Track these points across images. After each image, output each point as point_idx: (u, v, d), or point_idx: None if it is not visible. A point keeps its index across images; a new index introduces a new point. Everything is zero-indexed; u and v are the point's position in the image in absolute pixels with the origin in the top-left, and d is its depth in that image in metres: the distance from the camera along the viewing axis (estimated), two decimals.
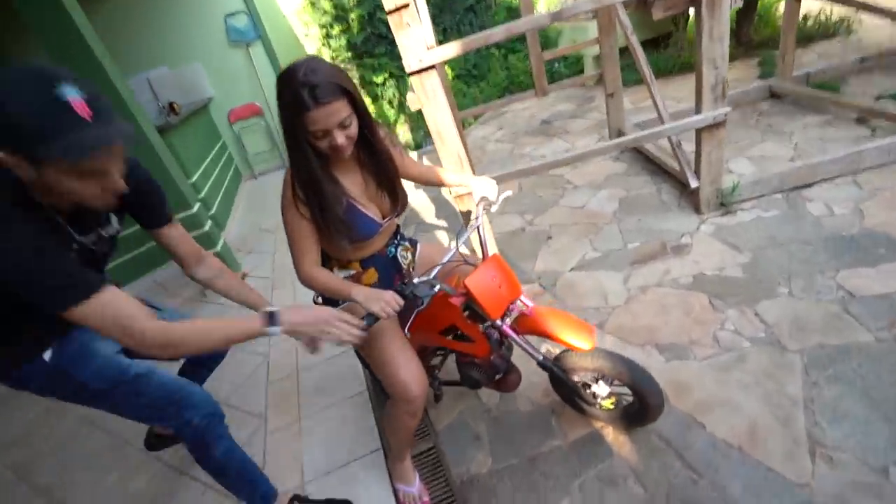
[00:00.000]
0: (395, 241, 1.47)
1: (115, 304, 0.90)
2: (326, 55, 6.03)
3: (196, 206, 3.09)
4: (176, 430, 1.30)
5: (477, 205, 1.44)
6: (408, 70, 1.87)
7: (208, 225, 3.19)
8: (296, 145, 1.13)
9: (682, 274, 2.09)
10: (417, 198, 3.71)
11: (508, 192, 1.50)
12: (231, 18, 5.07)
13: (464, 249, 1.38)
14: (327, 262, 1.39)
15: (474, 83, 6.15)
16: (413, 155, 4.92)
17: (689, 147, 2.52)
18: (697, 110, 2.19)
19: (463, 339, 1.44)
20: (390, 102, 6.18)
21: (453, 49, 1.90)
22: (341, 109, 1.07)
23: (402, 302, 1.17)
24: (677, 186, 2.74)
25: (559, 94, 5.20)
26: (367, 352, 1.37)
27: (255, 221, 4.36)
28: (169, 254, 1.31)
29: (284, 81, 1.06)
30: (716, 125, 2.18)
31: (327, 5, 5.80)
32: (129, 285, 3.45)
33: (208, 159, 4.60)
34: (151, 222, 1.25)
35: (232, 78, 5.32)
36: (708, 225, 2.36)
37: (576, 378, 1.44)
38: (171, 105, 4.53)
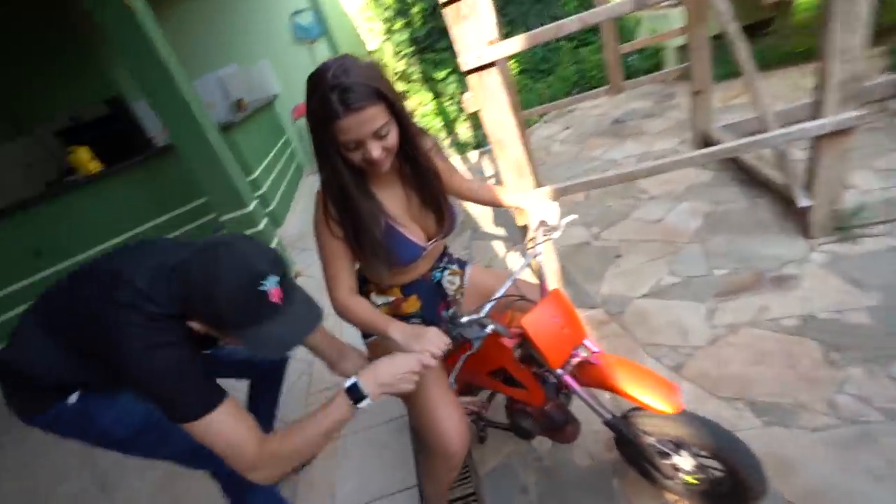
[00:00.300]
0: (442, 265, 1.30)
1: (226, 423, 0.88)
2: (389, 50, 5.97)
3: (252, 205, 3.12)
4: (212, 475, 1.22)
5: (535, 230, 1.23)
6: (463, 68, 1.68)
7: (263, 224, 3.20)
8: (325, 157, 0.98)
9: (784, 313, 1.73)
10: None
11: (573, 216, 1.27)
12: (297, 16, 5.15)
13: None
14: (364, 284, 1.25)
15: (541, 78, 5.79)
16: (474, 154, 4.72)
17: (795, 154, 2.11)
18: (816, 113, 1.80)
19: (514, 384, 1.24)
20: (452, 98, 6.00)
21: (517, 44, 1.67)
22: (376, 117, 0.91)
23: (449, 343, 1.00)
24: (778, 202, 2.31)
25: (633, 91, 4.73)
26: (403, 395, 1.20)
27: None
28: (314, 354, 1.33)
29: (313, 84, 0.91)
30: (841, 132, 1.77)
31: (389, 0, 5.73)
32: None
33: (271, 154, 4.72)
34: None
35: (296, 75, 5.43)
36: (821, 253, 1.94)
37: (650, 441, 1.19)
38: (238, 102, 4.69)
